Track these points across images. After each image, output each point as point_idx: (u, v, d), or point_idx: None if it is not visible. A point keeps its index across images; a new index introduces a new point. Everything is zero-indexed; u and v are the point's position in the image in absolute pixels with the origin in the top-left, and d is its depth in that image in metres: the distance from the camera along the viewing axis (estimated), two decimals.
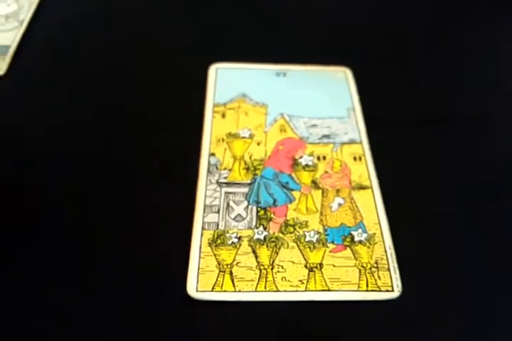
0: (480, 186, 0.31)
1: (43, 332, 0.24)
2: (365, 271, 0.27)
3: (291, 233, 0.28)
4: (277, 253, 0.27)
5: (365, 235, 0.28)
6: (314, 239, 0.28)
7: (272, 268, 0.27)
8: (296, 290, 0.26)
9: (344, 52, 0.40)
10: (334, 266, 0.27)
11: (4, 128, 0.33)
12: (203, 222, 0.28)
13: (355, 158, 0.32)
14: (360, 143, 0.33)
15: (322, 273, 0.27)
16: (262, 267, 0.27)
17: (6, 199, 0.29)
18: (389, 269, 0.27)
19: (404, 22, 0.43)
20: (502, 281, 0.27)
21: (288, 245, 0.28)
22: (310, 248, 0.28)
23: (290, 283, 0.26)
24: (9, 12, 0.40)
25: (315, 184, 0.31)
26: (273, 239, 0.28)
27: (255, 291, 0.26)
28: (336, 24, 0.43)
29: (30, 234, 0.28)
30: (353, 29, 0.42)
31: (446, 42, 0.42)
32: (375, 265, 0.27)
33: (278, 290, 0.26)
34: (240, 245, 0.28)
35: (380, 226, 0.29)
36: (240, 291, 0.26)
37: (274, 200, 0.30)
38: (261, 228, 0.28)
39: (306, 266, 0.27)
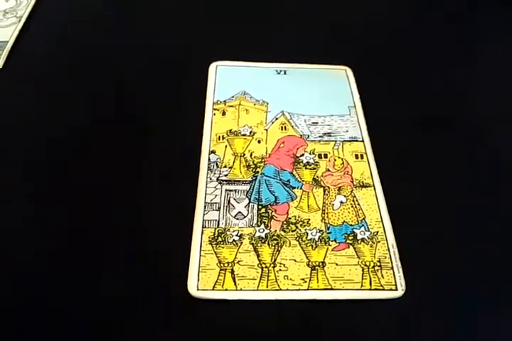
0: (481, 184, 0.31)
1: (42, 329, 0.24)
2: (369, 269, 0.26)
3: (292, 231, 0.28)
4: (279, 251, 0.27)
5: (367, 233, 0.28)
6: (316, 237, 0.28)
7: (273, 267, 0.26)
8: (299, 289, 0.25)
9: (345, 52, 0.39)
10: (337, 264, 0.27)
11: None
12: (204, 220, 0.28)
13: (356, 156, 0.32)
14: (362, 141, 0.33)
15: (325, 271, 0.26)
16: (263, 265, 0.26)
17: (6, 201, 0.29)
18: (392, 268, 0.27)
19: (406, 22, 0.43)
20: (505, 280, 0.27)
21: (290, 243, 0.27)
22: (312, 246, 0.27)
23: (292, 282, 0.26)
24: (7, 8, 0.40)
25: (316, 182, 0.30)
26: (274, 237, 0.28)
27: (257, 290, 0.25)
28: (337, 24, 0.42)
29: (31, 233, 0.27)
30: (354, 28, 0.42)
31: (448, 43, 0.42)
32: (378, 263, 0.27)
33: (280, 289, 0.25)
34: (241, 243, 0.27)
35: (383, 224, 0.28)
36: (241, 290, 0.25)
37: (276, 198, 0.29)
38: (262, 226, 0.28)
39: (308, 265, 0.26)
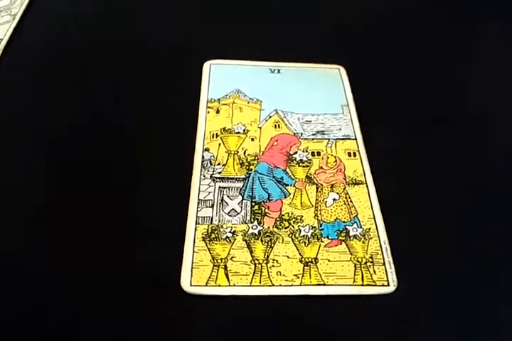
0: (474, 182, 0.31)
1: (42, 328, 0.24)
2: (361, 265, 0.27)
3: (286, 228, 0.28)
4: (272, 247, 0.27)
5: (360, 230, 0.28)
6: (309, 234, 0.28)
7: (266, 263, 0.26)
8: (291, 285, 0.26)
9: (341, 51, 0.40)
10: (329, 260, 0.27)
11: None
12: (197, 217, 0.28)
13: (349, 154, 0.32)
14: (355, 139, 0.33)
15: (317, 267, 0.26)
16: (256, 261, 0.26)
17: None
18: (384, 264, 0.27)
19: (400, 22, 0.43)
20: (498, 276, 0.27)
21: (283, 240, 0.27)
22: (305, 243, 0.27)
23: (285, 278, 0.26)
24: (2, 6, 0.40)
25: (310, 179, 0.31)
26: (268, 234, 0.28)
27: (250, 286, 0.25)
28: (334, 23, 0.43)
29: (30, 232, 0.27)
30: (351, 28, 0.42)
31: (442, 42, 0.42)
32: (371, 260, 0.27)
33: (273, 285, 0.26)
34: (235, 240, 0.27)
35: (375, 221, 0.29)
36: (234, 285, 0.25)
37: (269, 195, 0.30)
38: (255, 223, 0.28)
39: (301, 261, 0.27)
